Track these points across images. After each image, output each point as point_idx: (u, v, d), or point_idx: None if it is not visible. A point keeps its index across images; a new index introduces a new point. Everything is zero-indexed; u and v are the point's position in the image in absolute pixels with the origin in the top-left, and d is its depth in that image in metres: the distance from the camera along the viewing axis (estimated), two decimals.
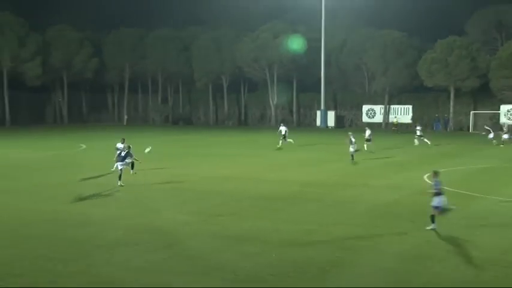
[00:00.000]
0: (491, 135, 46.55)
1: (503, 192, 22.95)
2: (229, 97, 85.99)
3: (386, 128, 73.32)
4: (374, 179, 26.70)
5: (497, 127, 51.86)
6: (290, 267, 12.68)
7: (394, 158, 36.61)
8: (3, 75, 75.66)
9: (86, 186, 23.66)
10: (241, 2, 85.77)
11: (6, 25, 74.63)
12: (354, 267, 12.81)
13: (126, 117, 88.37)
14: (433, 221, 16.17)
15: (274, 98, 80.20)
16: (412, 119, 73.84)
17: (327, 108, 77.48)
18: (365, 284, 11.71)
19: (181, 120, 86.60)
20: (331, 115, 77.53)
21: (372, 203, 20.54)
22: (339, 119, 78.00)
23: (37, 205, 20.04)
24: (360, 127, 74.91)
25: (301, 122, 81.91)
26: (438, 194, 16.25)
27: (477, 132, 66.35)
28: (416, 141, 44.55)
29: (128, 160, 24.28)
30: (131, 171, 24.78)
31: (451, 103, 69.83)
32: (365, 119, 76.98)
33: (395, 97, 75.50)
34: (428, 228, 16.15)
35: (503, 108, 66.76)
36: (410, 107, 74.82)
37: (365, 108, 77.36)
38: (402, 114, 75.05)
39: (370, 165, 32.42)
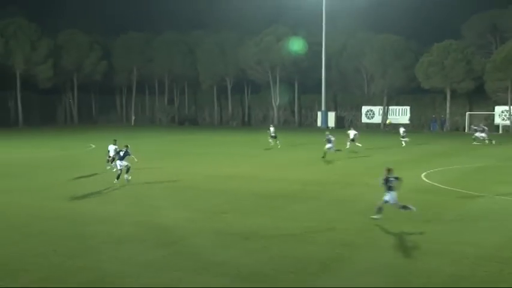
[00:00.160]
0: (478, 135, 46.59)
1: (498, 190, 22.86)
2: (233, 98, 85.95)
3: (384, 129, 73.23)
4: (373, 177, 26.57)
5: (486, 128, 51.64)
6: (291, 263, 12.64)
7: (392, 157, 36.48)
8: (16, 78, 75.75)
9: (94, 185, 23.64)
10: (244, 6, 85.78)
11: (19, 29, 74.72)
12: (353, 263, 12.77)
13: (133, 117, 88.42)
14: (379, 212, 16.45)
15: (276, 99, 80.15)
16: (410, 119, 73.77)
17: (328, 109, 77.40)
18: (364, 279, 11.67)
19: (187, 121, 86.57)
20: (331, 116, 77.42)
21: (370, 201, 20.42)
22: (339, 120, 77.88)
23: (46, 202, 20.05)
24: (359, 127, 74.98)
25: (303, 123, 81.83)
26: (390, 189, 16.38)
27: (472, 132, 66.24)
28: (403, 143, 44.28)
29: (125, 162, 23.70)
30: (125, 175, 23.71)
31: (448, 104, 69.68)
32: (364, 119, 76.86)
33: (393, 98, 75.36)
34: (372, 217, 16.47)
35: (498, 109, 66.61)
36: (408, 108, 74.66)
37: (364, 109, 77.23)
38: (400, 115, 74.93)
39: (369, 164, 32.35)
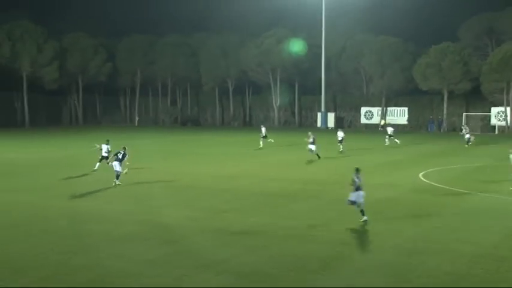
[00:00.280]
0: (467, 135, 46.68)
1: (495, 189, 22.83)
2: (235, 99, 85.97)
3: (383, 129, 73.11)
4: (372, 177, 26.51)
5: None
6: (292, 261, 12.62)
7: (391, 157, 36.48)
8: (22, 80, 75.80)
9: (98, 184, 23.58)
10: (246, 10, 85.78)
11: (26, 32, 74.75)
12: (353, 262, 12.74)
13: (137, 118, 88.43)
14: (363, 214, 16.41)
15: (277, 100, 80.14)
16: (408, 120, 73.79)
17: (327, 110, 77.37)
18: (364, 278, 11.64)
19: (190, 122, 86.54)
20: (331, 116, 77.39)
21: (369, 200, 20.39)
22: (338, 120, 77.80)
23: (51, 201, 20.03)
24: (358, 128, 75.04)
25: (303, 123, 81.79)
26: (357, 189, 16.44)
27: (471, 132, 66.14)
28: (387, 141, 44.28)
29: (121, 168, 23.32)
30: (116, 180, 23.13)
31: (445, 105, 69.62)
32: (363, 120, 76.86)
33: (391, 99, 75.33)
34: (361, 220, 16.34)
35: (494, 110, 66.58)
36: (406, 109, 74.64)
37: (363, 110, 77.19)
38: (398, 116, 74.95)
39: (368, 164, 32.27)
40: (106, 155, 27.31)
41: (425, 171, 27.95)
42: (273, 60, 75.73)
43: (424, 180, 25.51)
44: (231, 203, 19.57)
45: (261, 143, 41.51)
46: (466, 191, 22.21)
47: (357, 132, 64.98)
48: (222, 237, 14.77)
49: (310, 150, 33.92)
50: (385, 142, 43.97)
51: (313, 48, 75.08)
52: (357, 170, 16.71)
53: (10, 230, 15.66)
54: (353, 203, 16.41)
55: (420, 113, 73.67)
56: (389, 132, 45.08)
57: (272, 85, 79.13)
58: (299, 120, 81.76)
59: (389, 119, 75.03)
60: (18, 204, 19.44)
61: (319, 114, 77.99)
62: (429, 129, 70.80)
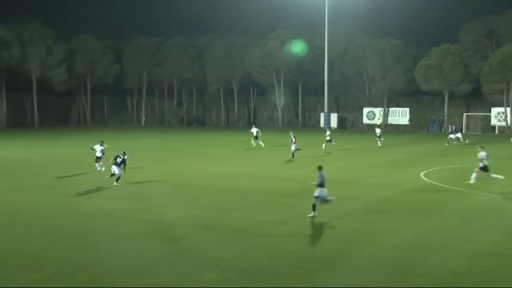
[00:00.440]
0: (454, 135, 46.58)
1: (495, 189, 22.78)
2: (239, 100, 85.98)
3: (385, 129, 73.01)
4: (373, 176, 26.58)
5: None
6: (295, 258, 12.63)
7: (393, 156, 36.44)
8: (32, 81, 76.00)
9: (106, 183, 23.60)
10: (250, 12, 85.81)
11: (35, 35, 74.95)
12: (355, 260, 12.73)
13: (144, 118, 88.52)
14: (313, 209, 16.59)
15: (281, 101, 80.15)
16: (410, 120, 73.72)
17: (330, 111, 77.20)
18: (366, 275, 11.64)
19: (195, 122, 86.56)
20: (333, 117, 77.28)
21: (371, 199, 20.44)
22: (341, 121, 77.79)
23: (56, 200, 20.07)
24: (360, 128, 74.97)
25: (306, 124, 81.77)
26: (321, 185, 16.63)
27: (471, 133, 66.02)
28: (379, 143, 44.14)
29: (120, 171, 23.06)
30: (115, 182, 22.88)
31: (446, 106, 69.47)
32: (365, 120, 76.76)
33: (393, 100, 75.25)
34: (309, 215, 16.53)
35: (494, 110, 66.44)
36: (407, 109, 74.57)
37: (365, 110, 77.11)
38: (400, 116, 74.94)
39: (370, 163, 32.31)
40: (100, 155, 27.15)
41: (427, 171, 27.90)
42: (277, 62, 75.73)
43: (425, 179, 25.47)
44: (234, 202, 19.58)
45: (253, 142, 41.23)
46: (466, 191, 22.16)
47: (359, 133, 64.97)
48: (225, 236, 14.79)
49: (296, 149, 34.27)
50: (377, 144, 43.73)
51: (316, 50, 75.02)
52: (320, 168, 17.06)
53: (13, 229, 15.70)
54: (317, 198, 16.76)
55: (421, 114, 73.58)
56: (377, 134, 45.04)
57: (276, 86, 79.10)
58: (302, 121, 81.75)
59: (391, 120, 75.14)
60: (27, 204, 19.50)
61: (322, 115, 77.89)
62: (430, 130, 70.66)
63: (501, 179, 23.03)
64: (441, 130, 69.51)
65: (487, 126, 67.25)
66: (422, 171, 27.58)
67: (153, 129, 73.03)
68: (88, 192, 21.68)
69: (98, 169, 27.02)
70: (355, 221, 16.50)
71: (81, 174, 26.67)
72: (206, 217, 17.06)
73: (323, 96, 75.69)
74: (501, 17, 72.10)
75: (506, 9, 71.95)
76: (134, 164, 29.37)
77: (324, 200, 16.78)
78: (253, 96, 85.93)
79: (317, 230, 15.39)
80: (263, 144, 40.35)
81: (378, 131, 45.77)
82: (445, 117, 69.79)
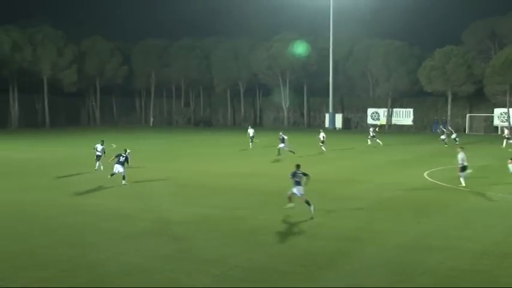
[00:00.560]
0: (443, 136, 46.61)
1: (498, 188, 22.69)
2: (246, 101, 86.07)
3: (389, 129, 72.98)
4: (378, 176, 26.50)
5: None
6: (301, 256, 12.60)
7: (397, 156, 36.33)
8: (43, 82, 76.43)
9: (114, 182, 23.62)
10: (256, 14, 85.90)
11: (46, 37, 75.33)
12: (357, 258, 12.69)
13: (152, 119, 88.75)
14: (309, 204, 16.80)
15: (286, 102, 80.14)
16: (413, 121, 73.53)
17: (335, 111, 77.23)
18: (369, 273, 11.60)
19: (202, 122, 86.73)
20: (338, 117, 77.25)
21: (374, 198, 20.38)
22: (346, 121, 77.72)
23: (68, 199, 20.12)
24: (365, 128, 74.76)
25: (311, 124, 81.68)
26: (298, 183, 16.91)
27: (474, 133, 65.81)
28: (369, 141, 44.09)
29: (123, 169, 23.00)
30: (123, 181, 22.88)
31: (449, 107, 69.23)
32: (370, 121, 76.56)
33: (397, 101, 75.09)
34: (286, 207, 16.99)
35: (497, 111, 66.17)
36: (411, 110, 74.41)
37: (370, 111, 76.98)
38: (404, 117, 74.76)
39: (374, 163, 32.22)
40: (100, 154, 27.22)
41: (430, 171, 27.81)
42: (282, 63, 75.74)
43: (429, 179, 25.38)
44: (241, 201, 19.56)
45: (250, 144, 41.13)
46: (469, 190, 22.05)
47: (363, 133, 64.72)
48: (232, 234, 14.78)
49: (282, 148, 34.59)
50: (378, 144, 43.57)
51: (321, 52, 75.07)
52: (298, 166, 17.30)
53: (16, 228, 15.70)
54: (294, 194, 17.10)
55: (425, 114, 73.42)
56: (371, 134, 45.04)
57: (282, 87, 79.11)
58: (308, 121, 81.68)
59: (395, 120, 74.97)
60: (36, 202, 19.55)
61: (327, 115, 77.90)
62: (433, 130, 70.45)
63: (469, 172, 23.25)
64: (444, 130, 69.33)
65: (490, 127, 67.02)
66: (425, 171, 27.49)
67: (161, 130, 73.21)
68: (94, 191, 21.72)
69: (96, 168, 27.10)
70: (357, 220, 16.44)
71: (89, 173, 26.70)
72: (211, 216, 17.06)
73: (328, 96, 75.73)
74: (504, 19, 71.83)
75: (509, 11, 71.63)
76: (142, 164, 29.51)
77: (304, 200, 16.96)
78: (259, 97, 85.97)
79: (319, 229, 15.34)
80: (258, 140, 40.14)
81: (371, 130, 45.82)
82: (448, 117, 69.56)
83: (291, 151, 34.15)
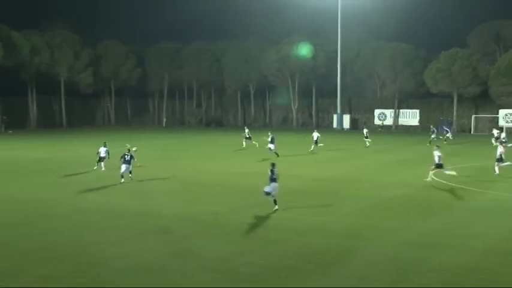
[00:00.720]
0: (433, 135, 46.19)
1: (503, 187, 22.51)
2: (256, 102, 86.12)
3: (395, 130, 72.68)
4: (384, 175, 26.38)
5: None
6: (310, 253, 12.57)
7: (403, 156, 36.15)
8: (60, 84, 77.00)
9: (128, 181, 23.72)
10: (266, 18, 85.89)
11: (64, 41, 75.90)
12: (366, 254, 12.64)
13: (165, 119, 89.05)
14: (275, 203, 17.07)
15: (295, 103, 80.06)
16: (419, 121, 73.17)
17: (343, 112, 77.04)
18: (376, 269, 11.54)
19: (213, 123, 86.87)
20: (346, 118, 77.04)
21: (381, 197, 20.28)
22: (353, 122, 77.47)
23: (85, 196, 20.25)
24: (372, 129, 74.41)
25: (320, 124, 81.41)
26: (273, 180, 16.98)
27: (479, 133, 65.32)
28: (367, 143, 43.69)
29: (130, 166, 23.40)
30: (130, 175, 23.42)
31: (455, 108, 68.85)
32: (377, 121, 76.34)
33: (403, 102, 74.78)
34: (274, 209, 16.97)
35: (502, 112, 65.63)
36: (417, 111, 74.09)
37: (377, 112, 76.69)
38: (410, 117, 74.46)
39: (381, 162, 32.07)
40: (104, 155, 27.33)
41: (436, 170, 27.54)
42: (292, 66, 75.67)
43: (435, 178, 25.20)
44: (251, 199, 19.53)
45: (244, 143, 40.84)
46: (475, 189, 21.89)
47: (370, 133, 64.42)
48: (245, 230, 14.78)
49: (270, 149, 34.12)
50: (365, 144, 43.31)
51: (330, 55, 74.95)
52: (273, 165, 17.39)
53: (48, 222, 15.80)
54: (268, 193, 16.99)
55: (431, 115, 72.99)
56: (365, 134, 44.67)
57: (291, 89, 79.06)
58: (316, 122, 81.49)
59: (402, 121, 74.66)
60: (53, 199, 19.68)
61: (335, 116, 77.72)
62: (440, 130, 69.94)
63: (454, 175, 23.38)
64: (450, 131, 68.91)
65: (495, 128, 66.42)
66: (432, 170, 27.24)
67: (173, 130, 73.41)
68: (98, 189, 21.77)
69: (95, 167, 27.17)
70: (364, 218, 16.37)
71: (102, 173, 26.79)
72: (224, 213, 17.08)
73: (336, 98, 75.57)
74: (508, 22, 71.29)
75: None
76: (154, 163, 29.59)
77: (268, 194, 17.09)
78: (268, 98, 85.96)
79: (327, 227, 15.29)
80: (257, 144, 39.36)
81: (365, 131, 45.53)
82: (454, 118, 69.18)
83: (276, 153, 33.84)
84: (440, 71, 66.26)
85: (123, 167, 23.33)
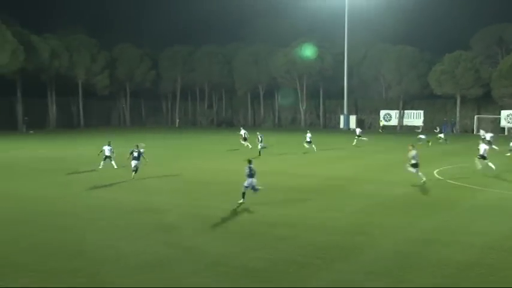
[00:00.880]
0: (422, 136, 46.10)
1: (504, 185, 22.43)
2: (265, 103, 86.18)
3: (400, 130, 72.43)
4: (389, 174, 26.38)
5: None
6: (317, 249, 12.66)
7: (407, 156, 35.97)
8: (78, 86, 77.57)
9: (144, 179, 23.93)
10: (275, 22, 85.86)
11: (81, 45, 76.43)
12: (371, 251, 12.71)
13: (178, 120, 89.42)
14: (243, 197, 17.75)
15: (303, 104, 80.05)
16: (424, 122, 72.85)
17: (349, 113, 76.92)
18: (380, 265, 11.62)
19: (224, 123, 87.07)
20: (352, 119, 76.88)
21: (385, 195, 20.31)
22: (359, 122, 77.27)
23: (102, 193, 20.47)
24: (377, 129, 74.25)
25: (327, 125, 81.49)
26: (250, 176, 17.69)
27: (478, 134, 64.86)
28: (364, 141, 43.47)
29: (138, 163, 23.70)
30: (133, 173, 23.57)
31: (458, 109, 68.53)
32: (382, 122, 76.13)
33: (408, 103, 74.51)
34: (238, 202, 17.54)
35: (504, 113, 65.20)
36: (421, 112, 73.78)
37: (382, 113, 76.44)
38: (415, 118, 74.19)
39: (386, 162, 32.04)
40: (109, 154, 27.52)
41: (440, 169, 27.57)
42: (300, 68, 75.64)
43: (438, 177, 25.17)
44: (261, 197, 19.56)
45: (245, 143, 40.84)
46: (477, 187, 21.85)
47: (376, 133, 64.37)
48: (254, 226, 14.90)
49: (262, 147, 34.87)
50: (354, 142, 43.22)
51: (337, 57, 74.84)
52: (249, 162, 18.09)
53: (65, 219, 15.99)
54: (246, 187, 17.79)
55: (435, 116, 72.70)
56: (357, 133, 44.49)
57: (299, 90, 79.06)
58: (323, 122, 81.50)
59: (406, 121, 74.40)
60: (72, 196, 19.90)
61: (341, 117, 77.63)
62: (443, 130, 69.60)
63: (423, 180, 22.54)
64: (453, 131, 68.51)
65: (497, 128, 66.04)
66: (435, 169, 27.25)
67: (186, 130, 73.70)
68: (130, 186, 21.97)
69: (101, 166, 27.25)
70: (369, 216, 16.43)
71: (118, 171, 27.00)
72: (231, 211, 17.18)
73: (343, 99, 75.48)
74: (511, 26, 70.74)
75: None
76: (167, 162, 29.78)
77: (254, 189, 17.86)
78: (277, 99, 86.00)
79: (334, 224, 15.37)
80: (250, 146, 39.27)
81: (358, 130, 45.42)
82: (457, 119, 68.85)
83: (259, 152, 33.99)
84: (444, 73, 65.97)
85: (133, 163, 23.71)
